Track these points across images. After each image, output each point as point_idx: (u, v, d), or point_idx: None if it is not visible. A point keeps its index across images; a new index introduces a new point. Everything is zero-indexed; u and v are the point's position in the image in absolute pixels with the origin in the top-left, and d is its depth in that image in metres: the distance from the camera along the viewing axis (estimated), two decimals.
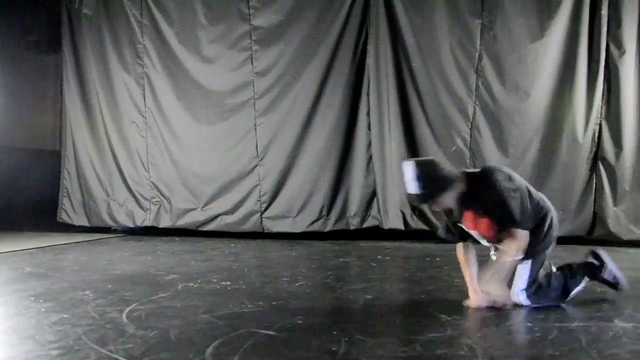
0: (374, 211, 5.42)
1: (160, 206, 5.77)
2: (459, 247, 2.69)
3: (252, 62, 5.54)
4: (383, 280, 3.42)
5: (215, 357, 1.91)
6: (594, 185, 5.09)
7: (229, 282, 3.28)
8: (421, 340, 2.08)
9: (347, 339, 2.09)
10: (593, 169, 5.10)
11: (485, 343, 2.07)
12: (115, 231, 6.18)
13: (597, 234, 5.11)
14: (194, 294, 2.97)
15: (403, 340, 2.08)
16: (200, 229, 5.68)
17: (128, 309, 2.59)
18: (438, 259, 4.24)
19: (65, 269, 3.78)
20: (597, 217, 5.10)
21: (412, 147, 5.30)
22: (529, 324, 2.31)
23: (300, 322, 2.36)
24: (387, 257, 4.36)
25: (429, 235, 5.15)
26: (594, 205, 5.10)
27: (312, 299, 2.86)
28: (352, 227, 5.46)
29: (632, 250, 4.75)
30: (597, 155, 5.09)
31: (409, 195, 2.52)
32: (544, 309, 2.53)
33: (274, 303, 2.73)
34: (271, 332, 2.19)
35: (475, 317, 2.45)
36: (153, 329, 2.25)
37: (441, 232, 2.82)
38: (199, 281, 3.32)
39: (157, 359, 1.88)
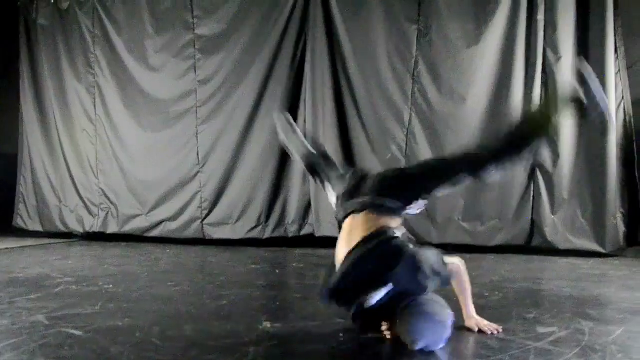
0: (311, 219, 5.38)
1: (108, 212, 5.88)
2: None
3: (195, 70, 5.61)
4: (266, 287, 3.42)
5: None
6: (532, 193, 4.96)
7: (111, 286, 3.32)
8: (210, 346, 2.08)
9: (140, 342, 2.10)
10: (531, 176, 4.96)
11: (269, 350, 2.04)
12: (76, 236, 6.30)
13: (535, 242, 4.97)
14: (62, 296, 3.02)
15: (190, 346, 2.07)
16: (145, 235, 5.75)
17: None
18: None
19: None
20: (535, 226, 4.96)
21: (348, 155, 5.26)
22: (340, 335, 2.27)
23: (120, 323, 2.38)
24: (302, 265, 4.34)
25: None
26: (532, 214, 4.97)
27: (167, 303, 2.86)
28: (290, 235, 5.44)
29: (567, 260, 4.61)
30: (535, 162, 4.96)
31: None
32: None
33: (125, 305, 2.76)
34: (79, 333, 2.22)
35: (303, 326, 2.42)
36: None
37: None
38: (84, 284, 3.37)
39: None
